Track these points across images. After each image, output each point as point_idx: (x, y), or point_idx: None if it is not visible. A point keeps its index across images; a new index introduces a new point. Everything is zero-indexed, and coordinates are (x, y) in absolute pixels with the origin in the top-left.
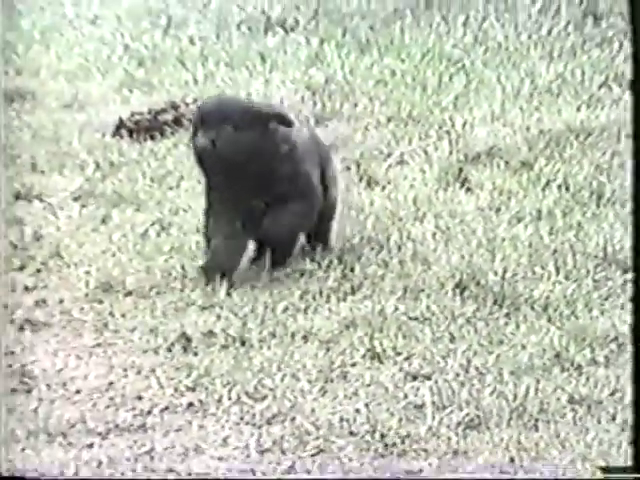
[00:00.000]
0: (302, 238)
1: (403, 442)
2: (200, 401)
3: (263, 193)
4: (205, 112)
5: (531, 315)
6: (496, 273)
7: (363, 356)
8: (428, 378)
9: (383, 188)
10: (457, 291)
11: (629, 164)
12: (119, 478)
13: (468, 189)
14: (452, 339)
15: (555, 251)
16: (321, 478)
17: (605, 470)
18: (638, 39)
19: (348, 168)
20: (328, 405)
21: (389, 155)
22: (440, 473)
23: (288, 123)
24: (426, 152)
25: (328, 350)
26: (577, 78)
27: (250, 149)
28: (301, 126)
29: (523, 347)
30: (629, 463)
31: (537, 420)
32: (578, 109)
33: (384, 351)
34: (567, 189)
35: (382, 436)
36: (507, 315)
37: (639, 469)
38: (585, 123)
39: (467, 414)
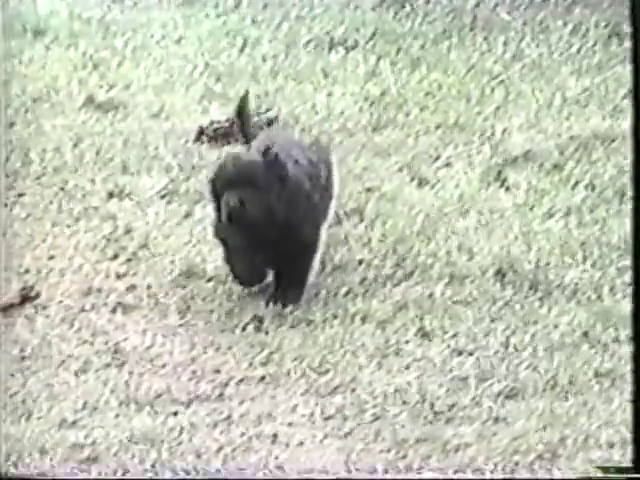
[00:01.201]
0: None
1: (449, 410)
2: (271, 374)
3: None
4: (228, 173)
5: (562, 299)
6: (531, 262)
7: (414, 335)
8: (471, 354)
9: (432, 187)
10: (497, 278)
11: None
12: (126, 478)
13: (507, 188)
14: (492, 320)
15: (583, 243)
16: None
17: (605, 470)
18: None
19: (401, 170)
20: (384, 378)
21: (437, 158)
22: (481, 438)
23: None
24: (469, 155)
25: (383, 330)
26: (602, 91)
27: (273, 210)
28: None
29: (555, 327)
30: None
31: (567, 391)
32: (603, 118)
33: (433, 330)
34: (593, 188)
35: (431, 405)
36: (541, 299)
37: (639, 469)
38: (609, 130)
39: (506, 386)
